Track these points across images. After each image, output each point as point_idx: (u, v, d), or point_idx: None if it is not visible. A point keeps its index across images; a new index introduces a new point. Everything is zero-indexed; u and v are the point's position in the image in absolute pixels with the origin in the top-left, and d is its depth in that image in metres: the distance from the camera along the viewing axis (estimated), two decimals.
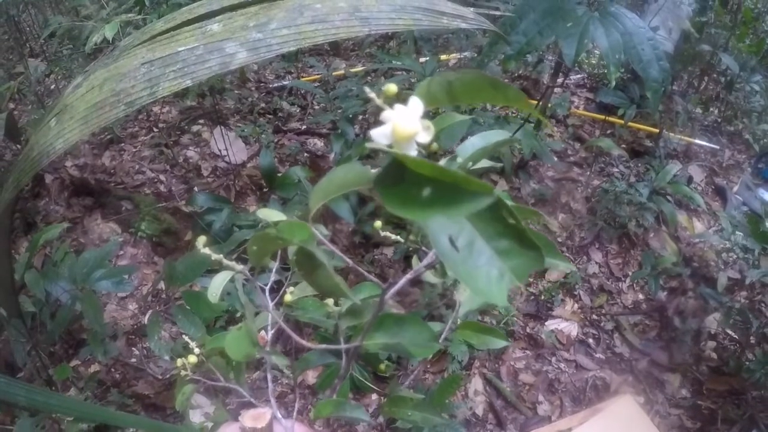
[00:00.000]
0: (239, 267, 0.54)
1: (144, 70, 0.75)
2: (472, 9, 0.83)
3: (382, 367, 1.01)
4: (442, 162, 0.51)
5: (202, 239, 0.50)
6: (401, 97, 0.38)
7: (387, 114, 0.35)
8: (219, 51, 0.70)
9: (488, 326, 0.64)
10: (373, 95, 0.37)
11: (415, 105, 0.36)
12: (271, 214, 0.51)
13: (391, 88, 0.37)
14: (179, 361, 0.60)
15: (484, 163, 0.55)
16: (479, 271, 0.35)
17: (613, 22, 1.53)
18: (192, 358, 0.59)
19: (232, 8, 0.79)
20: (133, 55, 0.82)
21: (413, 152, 0.35)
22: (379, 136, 0.35)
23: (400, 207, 0.31)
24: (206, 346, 0.59)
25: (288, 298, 0.61)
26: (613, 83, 1.49)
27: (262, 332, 0.63)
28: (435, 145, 0.45)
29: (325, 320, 0.67)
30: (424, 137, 0.35)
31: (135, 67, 0.77)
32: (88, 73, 0.94)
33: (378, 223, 0.49)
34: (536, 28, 1.50)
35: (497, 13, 1.52)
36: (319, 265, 0.49)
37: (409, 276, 0.61)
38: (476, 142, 0.52)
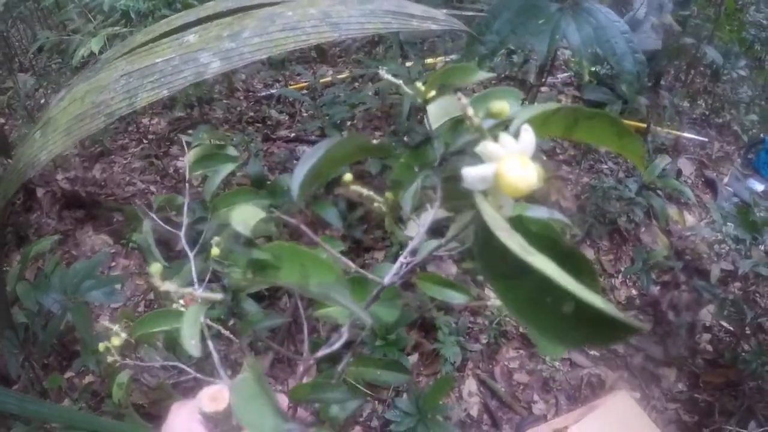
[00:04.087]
0: (216, 296, 0.43)
1: (123, 82, 0.75)
2: (444, 10, 0.84)
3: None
4: None
5: (156, 267, 0.39)
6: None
7: (491, 149, 0.26)
8: (194, 61, 0.71)
9: (450, 280, 0.58)
10: (470, 111, 0.28)
11: (529, 141, 0.26)
12: (247, 213, 0.40)
13: (504, 107, 0.28)
14: (102, 346, 0.52)
15: None
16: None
17: (586, 17, 1.54)
18: (116, 341, 0.51)
19: (208, 19, 0.80)
20: (114, 67, 0.83)
21: (510, 206, 0.27)
22: (475, 179, 0.26)
23: (533, 319, 0.24)
24: (135, 331, 0.52)
25: (215, 251, 0.49)
26: (587, 77, 1.50)
27: (190, 291, 0.54)
28: (507, 108, 0.31)
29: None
30: (536, 186, 0.26)
31: (114, 79, 0.77)
32: (71, 87, 0.95)
33: (348, 176, 0.44)
34: (509, 26, 1.51)
35: (470, 13, 1.53)
36: None
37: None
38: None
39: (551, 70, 3.10)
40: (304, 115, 2.92)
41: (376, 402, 1.83)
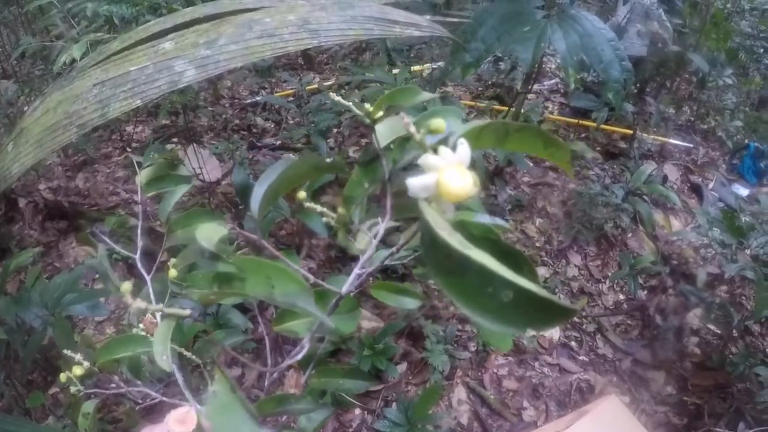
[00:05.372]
0: (184, 311, 0.44)
1: (96, 91, 0.74)
2: (428, 17, 0.83)
3: None
4: None
5: (126, 286, 0.42)
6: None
7: (431, 161, 0.29)
8: (168, 69, 0.70)
9: (403, 287, 0.60)
10: (413, 129, 0.31)
11: (465, 153, 0.29)
12: (210, 230, 0.42)
13: (440, 123, 0.32)
14: (63, 377, 0.52)
15: None
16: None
17: (572, 24, 1.54)
18: (78, 370, 0.51)
19: (186, 25, 0.78)
20: (88, 76, 0.81)
21: (452, 211, 0.30)
22: (418, 188, 0.29)
23: (477, 308, 0.25)
24: (98, 359, 0.52)
25: (172, 273, 0.49)
26: (572, 85, 1.49)
27: (149, 315, 0.53)
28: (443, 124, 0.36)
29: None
30: (472, 192, 0.29)
31: (88, 88, 0.76)
32: (46, 96, 0.93)
33: (302, 194, 0.45)
34: (495, 34, 1.50)
35: (455, 20, 1.52)
36: None
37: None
38: None
39: (538, 78, 3.11)
40: (290, 122, 2.91)
41: (366, 412, 1.81)
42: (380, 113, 0.38)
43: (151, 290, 0.54)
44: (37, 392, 1.60)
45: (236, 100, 3.16)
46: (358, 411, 1.81)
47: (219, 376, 0.35)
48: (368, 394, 1.83)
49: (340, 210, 0.42)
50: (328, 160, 0.39)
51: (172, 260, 0.48)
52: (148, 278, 0.55)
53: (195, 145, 2.45)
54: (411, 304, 0.57)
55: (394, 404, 1.77)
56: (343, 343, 1.82)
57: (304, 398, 0.46)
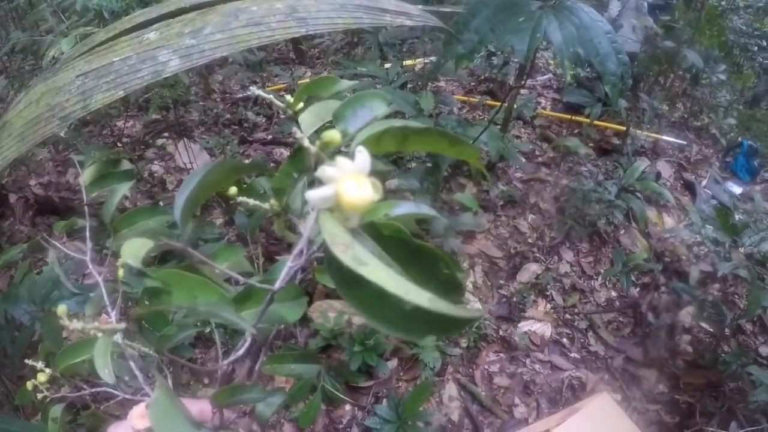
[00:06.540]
0: (119, 326, 0.44)
1: (78, 83, 0.72)
2: (420, 6, 0.82)
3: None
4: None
5: (62, 308, 0.42)
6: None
7: (329, 172, 0.28)
8: (152, 59, 0.68)
9: None
10: (306, 143, 0.31)
11: (364, 161, 0.29)
12: (136, 246, 0.42)
13: (334, 136, 0.31)
14: (29, 384, 0.53)
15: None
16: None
17: (567, 15, 1.51)
18: (42, 377, 0.52)
19: (171, 15, 0.77)
20: (71, 67, 0.80)
21: (357, 218, 0.30)
22: (318, 200, 0.28)
23: (379, 317, 0.26)
24: (58, 365, 0.53)
25: (120, 273, 0.48)
26: (569, 78, 1.46)
27: (104, 316, 0.52)
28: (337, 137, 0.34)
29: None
30: (374, 198, 0.28)
31: (71, 80, 0.74)
32: (30, 89, 0.92)
33: (233, 189, 0.45)
34: (488, 25, 1.48)
35: (447, 9, 1.50)
36: None
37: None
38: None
39: (531, 73, 3.10)
40: (282, 117, 2.89)
41: (356, 408, 1.80)
42: (300, 105, 0.39)
43: (104, 292, 0.54)
44: (25, 389, 1.59)
45: (227, 95, 3.14)
46: (348, 407, 1.80)
47: (159, 383, 0.37)
48: (358, 390, 1.83)
49: (272, 201, 0.43)
50: (246, 161, 0.39)
51: (120, 260, 0.48)
52: (100, 279, 0.55)
53: (186, 139, 2.43)
54: None
55: (384, 400, 1.76)
56: (333, 339, 1.81)
57: (256, 387, 0.48)
